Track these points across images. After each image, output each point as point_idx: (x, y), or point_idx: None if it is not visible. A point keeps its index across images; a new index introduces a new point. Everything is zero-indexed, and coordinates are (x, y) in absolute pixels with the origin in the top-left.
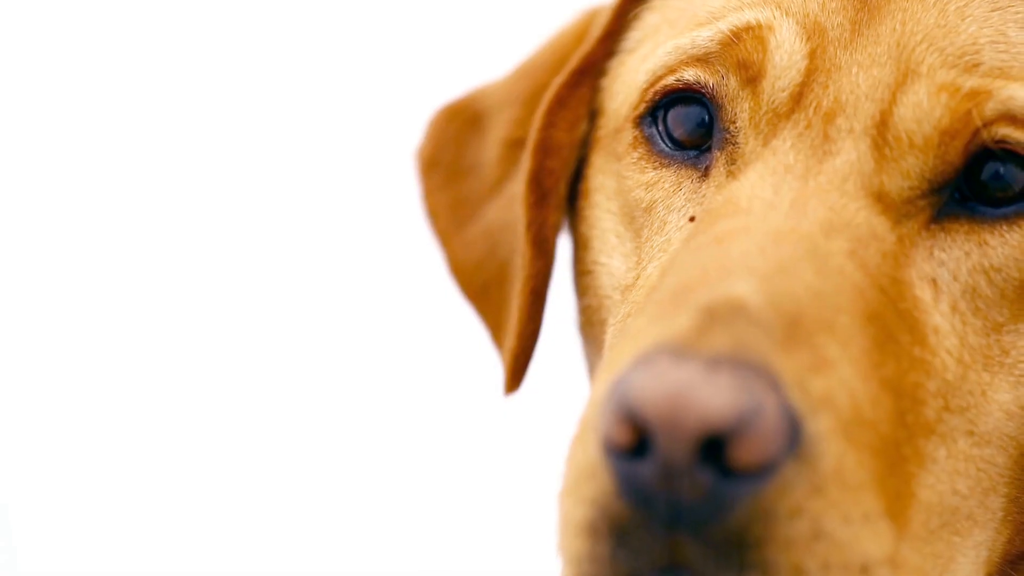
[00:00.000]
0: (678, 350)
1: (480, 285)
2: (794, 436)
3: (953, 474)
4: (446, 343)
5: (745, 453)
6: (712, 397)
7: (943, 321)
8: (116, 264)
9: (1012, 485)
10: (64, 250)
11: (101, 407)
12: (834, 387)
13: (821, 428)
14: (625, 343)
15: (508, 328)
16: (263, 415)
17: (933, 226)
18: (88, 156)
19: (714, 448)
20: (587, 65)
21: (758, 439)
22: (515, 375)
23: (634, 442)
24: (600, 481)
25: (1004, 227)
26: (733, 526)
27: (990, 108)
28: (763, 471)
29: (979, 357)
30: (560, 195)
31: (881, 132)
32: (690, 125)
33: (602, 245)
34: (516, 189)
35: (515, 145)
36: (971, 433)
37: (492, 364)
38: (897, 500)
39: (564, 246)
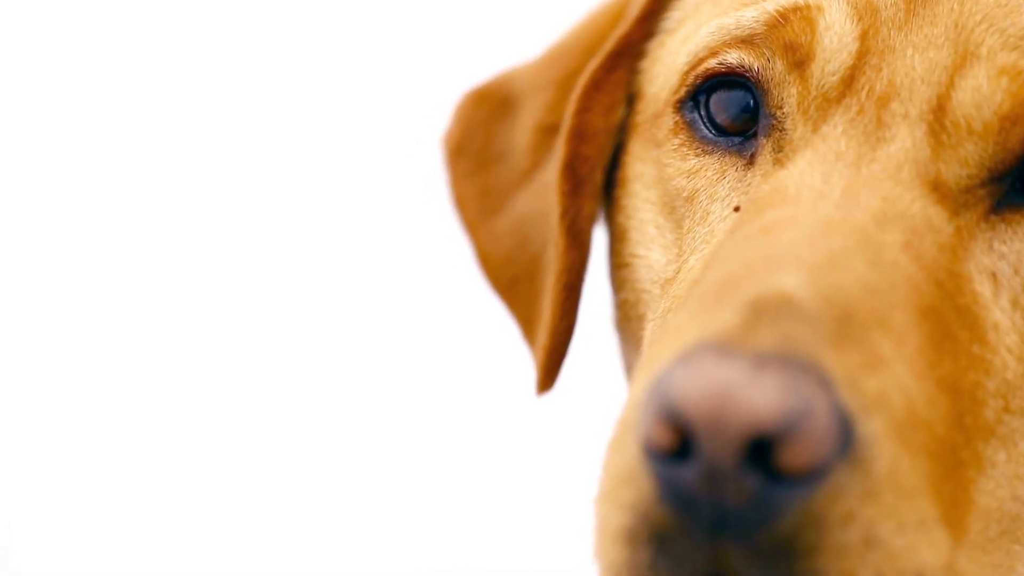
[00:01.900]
0: (723, 347)
1: (510, 278)
2: (846, 438)
3: (1014, 479)
4: (475, 340)
5: (794, 456)
6: (759, 397)
7: (1003, 317)
8: (116, 264)
9: None
10: (64, 251)
11: (99, 407)
12: (888, 386)
13: (874, 430)
14: (666, 340)
15: (541, 324)
16: (265, 416)
17: (993, 217)
18: (88, 156)
19: (761, 451)
20: (624, 47)
21: (808, 441)
22: (548, 374)
23: (676, 444)
24: (640, 485)
25: None
26: (781, 533)
27: None
28: (813, 475)
29: None
30: (596, 184)
31: (938, 117)
32: (734, 110)
33: (640, 236)
34: (549, 177)
35: (548, 131)
36: None
37: (524, 363)
38: (954, 506)
39: (600, 238)
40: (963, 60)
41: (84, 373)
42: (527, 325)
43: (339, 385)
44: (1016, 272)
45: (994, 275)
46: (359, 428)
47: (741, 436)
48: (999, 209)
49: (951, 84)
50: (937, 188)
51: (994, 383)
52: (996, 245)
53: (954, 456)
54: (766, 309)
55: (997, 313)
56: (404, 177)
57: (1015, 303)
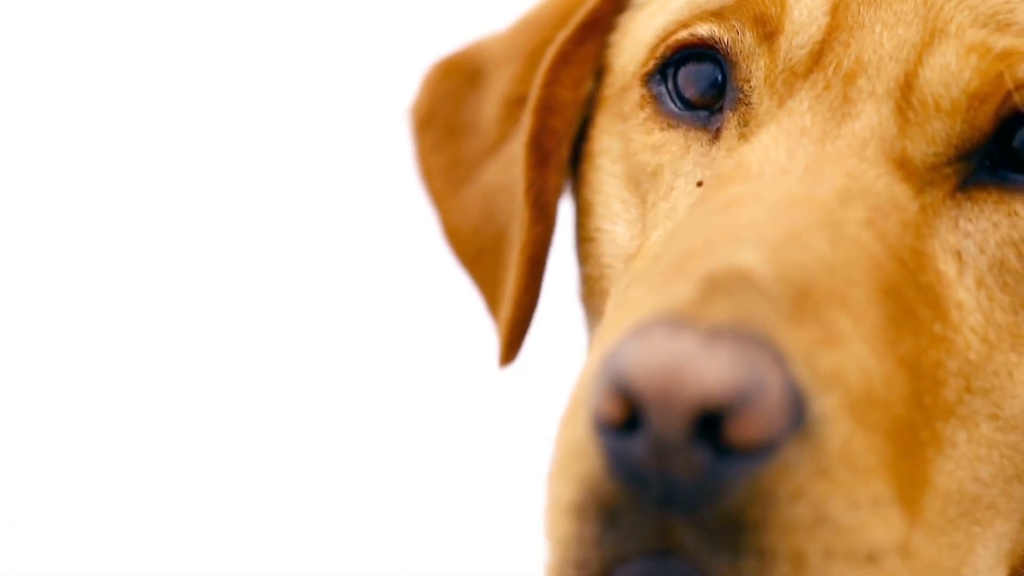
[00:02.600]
0: (676, 321)
1: (476, 251)
2: (798, 414)
3: (974, 460)
4: (440, 316)
5: (744, 430)
6: (710, 370)
7: (967, 296)
8: (116, 264)
9: None
10: (64, 251)
11: (99, 407)
12: (844, 364)
13: (828, 407)
14: (621, 314)
15: (504, 296)
16: (265, 416)
17: (959, 195)
18: (88, 156)
19: (711, 425)
20: (594, 19)
21: (758, 416)
22: (511, 346)
23: (626, 417)
24: (589, 459)
25: None
26: (729, 508)
27: (1023, 70)
28: (763, 450)
29: (1006, 336)
30: (562, 157)
31: (905, 95)
32: (702, 84)
33: (605, 211)
34: (516, 150)
35: (516, 103)
36: (995, 417)
37: (488, 338)
38: (911, 486)
39: (568, 213)
40: (932, 37)
41: (84, 373)
42: (492, 298)
43: (328, 381)
44: (982, 251)
45: (959, 254)
46: (346, 423)
47: (690, 409)
48: (965, 187)
49: (919, 61)
50: (903, 166)
51: (956, 363)
52: (962, 224)
53: (912, 436)
54: (722, 284)
55: (961, 292)
56: (391, 167)
57: (980, 283)
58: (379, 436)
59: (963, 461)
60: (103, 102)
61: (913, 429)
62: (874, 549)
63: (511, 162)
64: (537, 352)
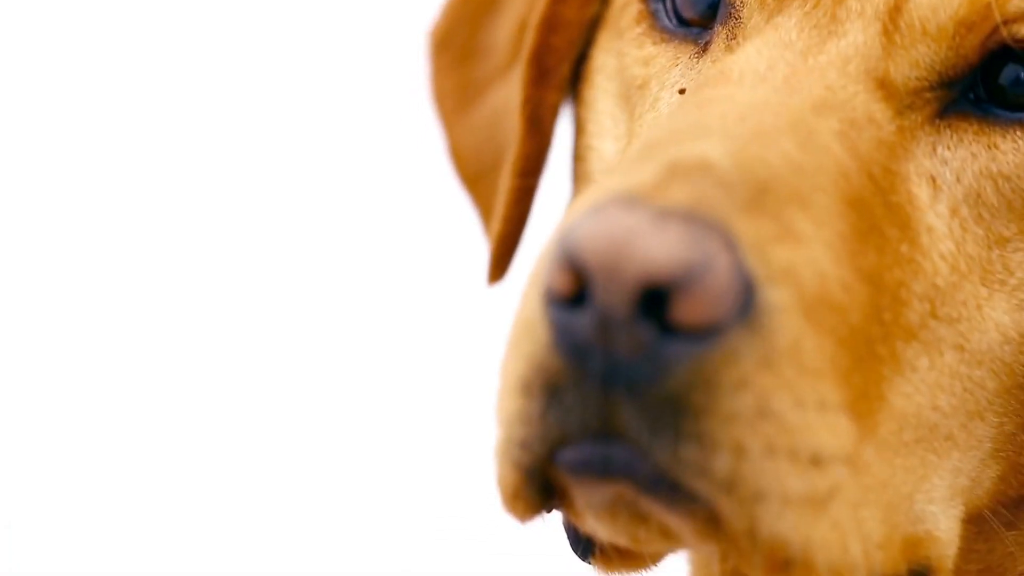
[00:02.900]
0: (630, 199)
1: (476, 171)
2: (746, 302)
3: (935, 388)
4: (440, 317)
5: (688, 309)
6: (657, 246)
7: (939, 223)
8: (116, 264)
9: (1003, 415)
10: (64, 251)
11: (99, 407)
12: (799, 261)
13: (778, 299)
14: (584, 197)
15: (495, 211)
16: (264, 415)
17: (939, 122)
18: (88, 156)
19: (657, 302)
20: None
21: (704, 296)
22: (499, 262)
23: (574, 291)
24: (537, 334)
25: (1019, 132)
26: (671, 390)
27: (1013, 5)
28: (707, 333)
29: (977, 269)
30: (562, 75)
31: (893, 18)
32: (701, 5)
33: (596, 128)
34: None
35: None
36: (960, 348)
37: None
38: (864, 400)
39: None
40: None
41: (84, 373)
42: (488, 218)
43: (327, 381)
44: (958, 180)
45: (934, 179)
46: (346, 423)
47: (636, 283)
48: (946, 115)
49: None
50: (883, 86)
51: (921, 286)
52: (940, 150)
53: (868, 349)
54: (682, 170)
55: (932, 217)
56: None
57: (954, 211)
58: (378, 436)
59: (922, 387)
60: (103, 102)
61: (870, 343)
62: (819, 452)
63: (515, 83)
64: None
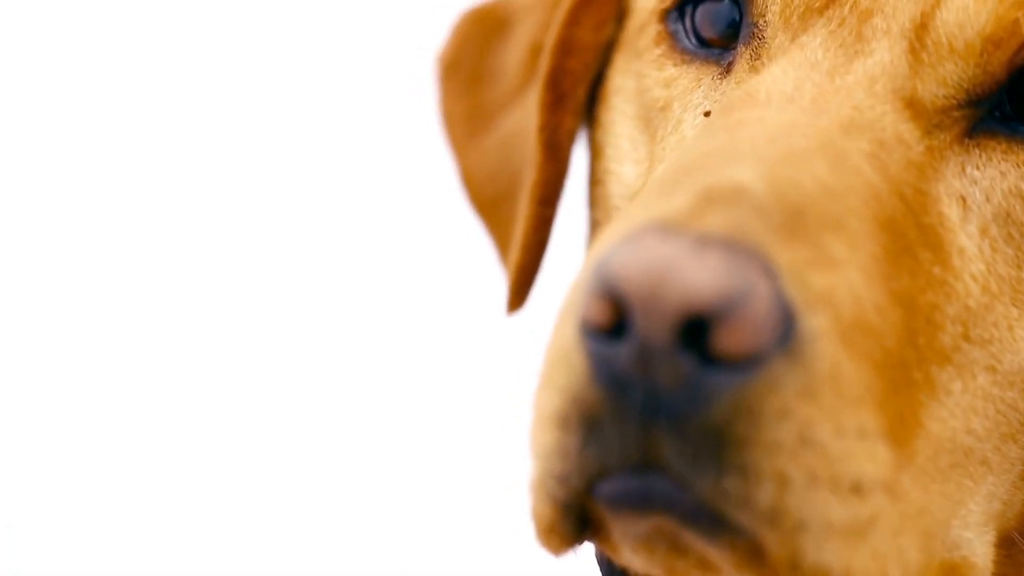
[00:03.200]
0: (667, 227)
1: (491, 198)
2: (786, 330)
3: (969, 411)
4: (440, 318)
5: (729, 339)
6: (697, 274)
7: (970, 243)
8: (116, 264)
9: None
10: (64, 251)
11: (99, 407)
12: (836, 287)
13: (818, 326)
14: (615, 225)
15: (513, 240)
16: (264, 415)
17: (967, 141)
18: (88, 156)
19: (697, 332)
20: None
21: (745, 325)
22: (519, 291)
23: (612, 322)
24: (574, 366)
25: None
26: (713, 422)
27: None
28: (749, 362)
29: (1008, 289)
30: (579, 99)
31: (919, 35)
32: (721, 25)
33: (615, 152)
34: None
35: (540, 50)
36: (993, 370)
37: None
38: (901, 425)
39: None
40: None
41: (84, 373)
42: (503, 245)
43: (327, 381)
44: (988, 199)
45: (964, 199)
46: (345, 422)
47: (676, 314)
48: (974, 134)
49: (937, 2)
50: (911, 105)
51: (954, 308)
52: (969, 170)
53: (904, 374)
54: (717, 196)
55: (963, 238)
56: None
57: (984, 231)
58: (379, 436)
59: (957, 410)
60: (103, 102)
61: (905, 367)
62: (859, 480)
63: (531, 108)
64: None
